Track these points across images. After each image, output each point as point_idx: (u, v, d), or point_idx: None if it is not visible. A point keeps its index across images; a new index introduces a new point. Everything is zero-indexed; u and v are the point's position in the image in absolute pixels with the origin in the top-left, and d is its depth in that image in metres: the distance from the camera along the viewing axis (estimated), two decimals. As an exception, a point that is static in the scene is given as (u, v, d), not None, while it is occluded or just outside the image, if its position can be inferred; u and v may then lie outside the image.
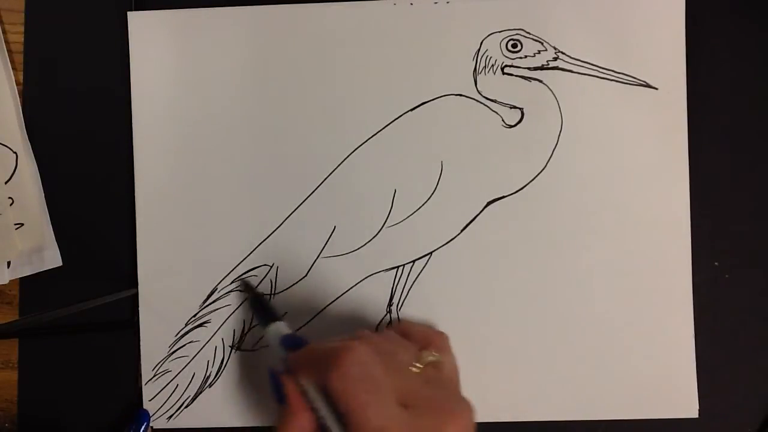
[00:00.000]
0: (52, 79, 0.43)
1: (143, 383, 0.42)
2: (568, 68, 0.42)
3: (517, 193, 0.42)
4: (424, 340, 0.36)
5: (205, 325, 0.42)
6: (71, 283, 0.43)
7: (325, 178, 0.42)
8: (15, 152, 0.42)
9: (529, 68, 0.42)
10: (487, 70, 0.42)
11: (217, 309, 0.42)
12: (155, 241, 0.42)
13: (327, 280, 0.42)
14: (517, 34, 0.42)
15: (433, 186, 0.42)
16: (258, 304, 0.40)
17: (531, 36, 0.42)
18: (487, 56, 0.42)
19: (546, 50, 0.42)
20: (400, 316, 0.41)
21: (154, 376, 0.42)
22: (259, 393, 0.42)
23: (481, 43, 0.42)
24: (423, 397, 0.31)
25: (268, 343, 0.38)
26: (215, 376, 0.42)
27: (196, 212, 0.42)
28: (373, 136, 0.42)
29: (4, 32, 0.43)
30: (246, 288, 0.42)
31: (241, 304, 0.42)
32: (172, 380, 0.42)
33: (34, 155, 0.43)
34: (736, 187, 0.42)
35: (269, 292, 0.42)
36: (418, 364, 0.33)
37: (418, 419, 0.30)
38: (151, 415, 0.42)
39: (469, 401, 0.32)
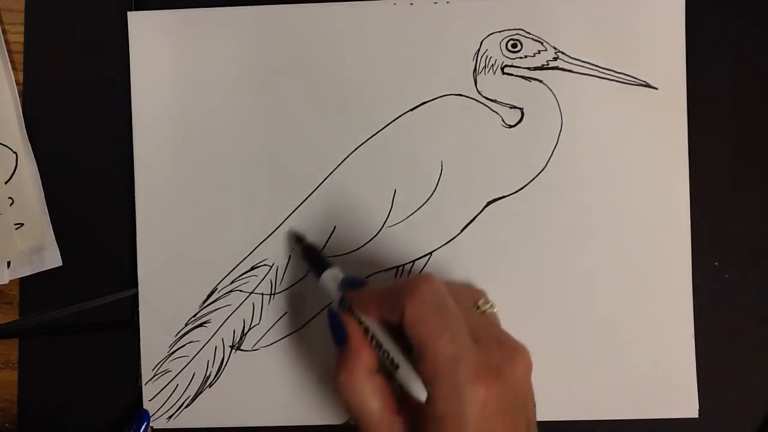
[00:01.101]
0: (52, 80, 0.43)
1: (143, 383, 0.42)
2: (568, 68, 0.42)
3: (517, 193, 0.42)
4: (476, 292, 0.37)
5: (205, 325, 0.42)
6: (71, 283, 0.43)
7: (325, 178, 0.42)
8: (15, 152, 0.42)
9: (529, 68, 0.42)
10: (487, 70, 0.42)
11: (217, 309, 0.42)
12: (155, 241, 0.42)
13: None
14: (517, 34, 0.42)
15: (433, 186, 0.42)
16: (310, 253, 0.40)
17: (531, 36, 0.42)
18: (487, 56, 0.42)
19: (546, 50, 0.42)
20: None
21: (154, 376, 0.42)
22: (259, 393, 0.42)
23: (481, 43, 0.42)
24: (490, 333, 0.32)
25: (323, 291, 0.37)
26: (215, 376, 0.42)
27: (196, 212, 0.42)
28: (373, 136, 0.42)
29: (4, 32, 0.43)
30: (296, 239, 0.41)
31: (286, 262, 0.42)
32: (172, 380, 0.42)
33: (34, 155, 0.43)
34: (736, 187, 0.42)
35: (269, 292, 0.42)
36: (480, 306, 0.35)
37: (487, 353, 0.30)
38: (151, 415, 0.42)
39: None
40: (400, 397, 0.31)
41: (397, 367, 0.31)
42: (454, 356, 0.29)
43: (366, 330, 0.32)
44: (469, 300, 0.35)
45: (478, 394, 0.28)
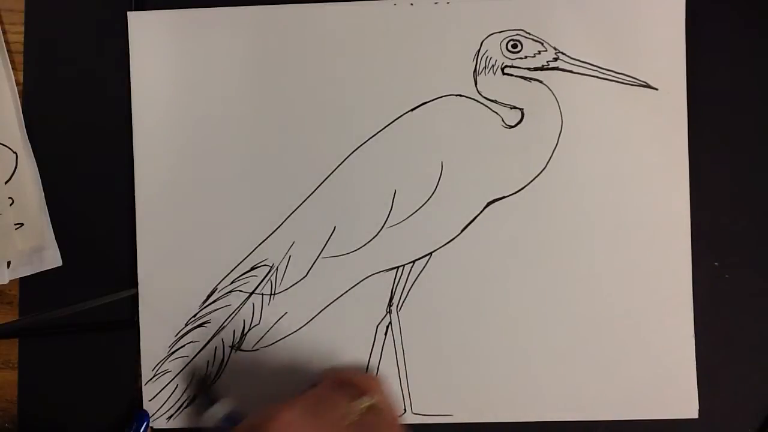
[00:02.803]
0: (52, 80, 0.43)
1: (143, 383, 0.42)
2: (568, 69, 0.42)
3: (517, 194, 0.42)
4: (359, 385, 0.37)
5: (205, 325, 0.42)
6: (71, 283, 0.43)
7: (325, 179, 0.42)
8: (15, 152, 0.42)
9: (529, 68, 0.42)
10: (487, 70, 0.42)
11: (217, 309, 0.42)
12: (155, 241, 0.42)
13: (327, 280, 0.42)
14: (517, 34, 0.42)
15: (433, 186, 0.42)
16: (198, 389, 0.42)
17: (531, 36, 0.42)
18: (488, 56, 0.42)
19: (546, 50, 0.42)
20: (400, 317, 0.41)
21: (154, 376, 0.42)
22: (259, 393, 0.42)
23: (482, 44, 0.42)
24: None
25: (210, 423, 0.40)
26: (215, 376, 0.42)
27: (196, 212, 0.42)
28: (373, 136, 0.42)
29: (4, 32, 0.43)
30: (191, 380, 0.42)
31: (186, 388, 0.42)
32: (172, 380, 0.42)
33: (34, 155, 0.43)
34: (736, 187, 0.42)
35: (269, 292, 0.42)
36: (352, 414, 0.34)
37: None
38: (151, 415, 0.42)
39: None
40: None
41: None
42: None
43: None
44: (341, 410, 0.34)
45: None
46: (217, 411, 0.40)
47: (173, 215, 0.42)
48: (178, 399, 0.42)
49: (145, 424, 0.42)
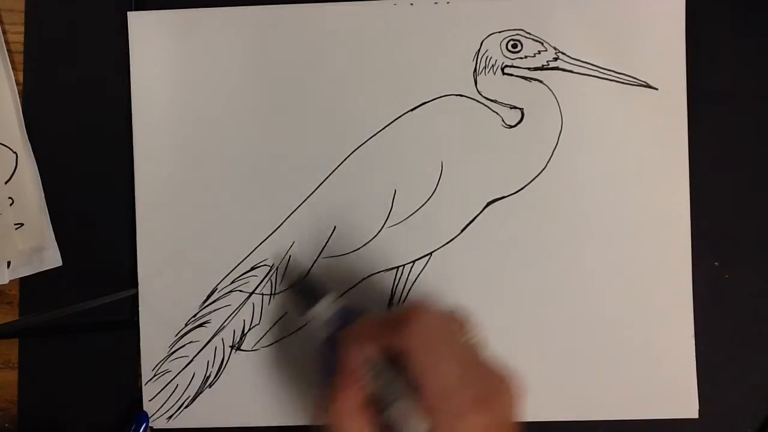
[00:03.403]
0: (52, 80, 0.43)
1: (143, 383, 0.42)
2: (568, 68, 0.42)
3: (517, 194, 0.42)
4: (462, 320, 0.36)
5: (205, 325, 0.42)
6: (71, 283, 0.43)
7: (325, 179, 0.42)
8: (15, 152, 0.42)
9: (529, 68, 0.42)
10: (487, 70, 0.42)
11: (217, 309, 0.42)
12: (155, 241, 0.42)
13: (327, 280, 0.42)
14: (517, 34, 0.42)
15: (433, 186, 0.42)
16: (304, 282, 0.39)
17: (531, 36, 0.42)
18: (487, 56, 0.42)
19: (546, 50, 0.42)
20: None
21: (154, 376, 0.42)
22: (259, 393, 0.42)
23: (482, 44, 0.42)
24: (479, 363, 0.32)
25: (313, 321, 0.36)
26: (215, 376, 0.42)
27: (196, 212, 0.42)
28: (373, 136, 0.42)
29: (4, 32, 0.43)
30: (285, 275, 0.41)
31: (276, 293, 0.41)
32: (172, 380, 0.42)
33: (34, 155, 0.43)
34: (736, 187, 0.42)
35: (269, 292, 0.42)
36: (467, 337, 0.34)
37: (479, 383, 0.30)
38: (150, 415, 0.42)
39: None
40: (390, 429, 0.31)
41: (393, 401, 0.30)
42: (450, 388, 0.29)
43: (360, 363, 0.32)
44: (458, 328, 0.34)
45: (471, 426, 0.29)
46: (323, 308, 0.36)
47: (173, 215, 0.42)
48: (179, 399, 0.42)
49: (144, 425, 0.41)
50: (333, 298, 0.37)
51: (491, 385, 0.31)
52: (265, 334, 0.42)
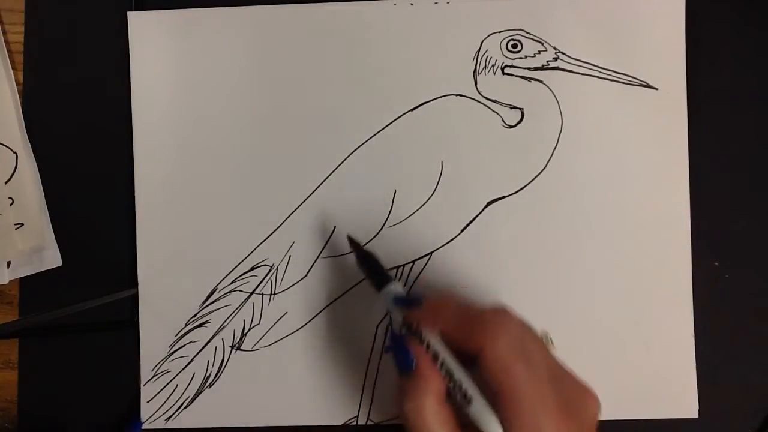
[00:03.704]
0: (52, 80, 0.43)
1: (143, 383, 0.42)
2: (568, 68, 0.42)
3: (517, 193, 0.42)
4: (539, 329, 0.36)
5: (205, 325, 0.42)
6: (71, 283, 0.43)
7: (326, 178, 0.42)
8: (15, 152, 0.42)
9: (529, 68, 0.42)
10: (487, 70, 0.42)
11: (217, 309, 0.42)
12: (155, 241, 0.42)
13: (327, 280, 0.42)
14: (517, 34, 0.42)
15: (433, 186, 0.42)
16: (369, 263, 0.38)
17: (531, 36, 0.42)
18: (488, 56, 0.42)
19: (546, 50, 0.42)
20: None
21: (153, 376, 0.42)
22: (259, 393, 0.42)
23: (481, 44, 0.42)
24: (563, 372, 0.31)
25: (381, 306, 0.36)
26: (215, 376, 0.42)
27: (195, 212, 0.42)
28: (373, 136, 0.42)
29: (4, 32, 0.43)
30: (355, 247, 0.38)
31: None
32: (171, 380, 0.42)
33: (34, 155, 0.43)
34: (736, 187, 0.42)
35: (269, 292, 0.42)
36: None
37: (564, 393, 0.29)
38: (150, 415, 0.42)
39: None
40: (464, 426, 0.30)
41: (470, 400, 0.29)
42: (536, 396, 0.28)
43: (434, 356, 0.31)
44: (540, 335, 0.33)
45: None
46: (395, 289, 0.35)
47: (173, 215, 0.42)
48: (178, 399, 0.42)
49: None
50: (398, 284, 0.36)
51: (577, 394, 0.30)
52: (265, 334, 0.42)
